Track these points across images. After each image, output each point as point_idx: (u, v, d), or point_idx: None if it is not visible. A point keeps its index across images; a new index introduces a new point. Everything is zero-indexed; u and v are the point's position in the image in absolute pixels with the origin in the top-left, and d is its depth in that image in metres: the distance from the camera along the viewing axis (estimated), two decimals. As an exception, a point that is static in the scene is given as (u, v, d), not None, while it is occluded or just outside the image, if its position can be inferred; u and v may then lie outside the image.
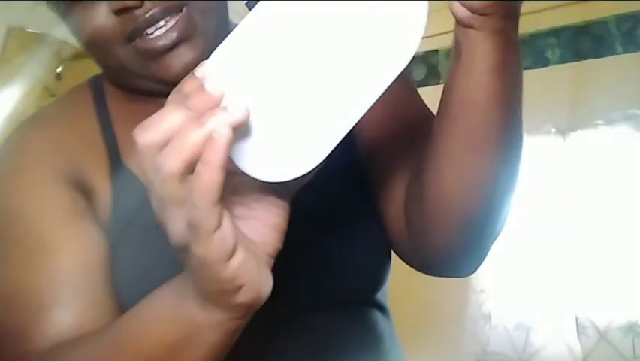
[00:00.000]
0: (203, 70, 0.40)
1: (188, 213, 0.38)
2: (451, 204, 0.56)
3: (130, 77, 0.62)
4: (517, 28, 0.48)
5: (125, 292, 0.58)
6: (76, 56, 1.80)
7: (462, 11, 0.46)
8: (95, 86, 0.68)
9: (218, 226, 0.38)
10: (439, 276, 0.68)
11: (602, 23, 2.29)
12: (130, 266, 0.59)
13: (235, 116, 0.38)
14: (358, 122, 0.42)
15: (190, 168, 0.37)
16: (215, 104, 0.38)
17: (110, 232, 0.60)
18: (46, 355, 0.53)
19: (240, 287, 0.41)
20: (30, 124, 0.67)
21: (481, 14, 0.46)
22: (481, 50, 0.47)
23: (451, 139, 0.53)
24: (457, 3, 0.46)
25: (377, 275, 0.67)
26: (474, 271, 0.65)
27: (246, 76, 0.41)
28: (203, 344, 0.44)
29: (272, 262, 0.45)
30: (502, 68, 0.48)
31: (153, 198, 0.39)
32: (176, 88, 0.41)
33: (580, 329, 2.00)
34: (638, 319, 1.92)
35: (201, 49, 0.59)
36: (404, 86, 0.66)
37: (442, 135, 0.54)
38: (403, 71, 0.42)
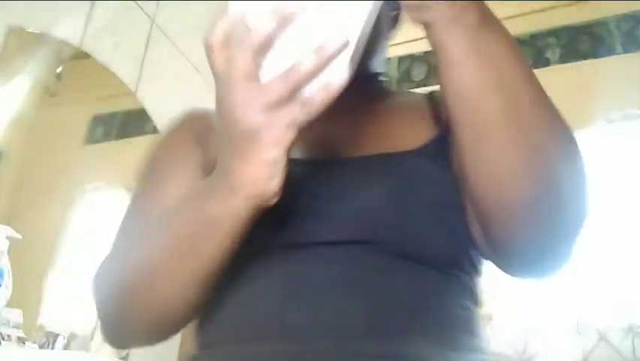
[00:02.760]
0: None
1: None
2: (489, 196, 0.54)
3: None
4: (475, 12, 0.49)
5: None
6: (76, 56, 1.79)
7: (409, 13, 0.50)
8: None
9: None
10: (518, 276, 0.65)
11: (602, 23, 2.30)
12: None
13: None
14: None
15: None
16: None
17: None
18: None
19: (274, 176, 0.49)
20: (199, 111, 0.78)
21: (416, 7, 0.49)
22: (450, 41, 0.50)
23: (464, 136, 0.53)
24: (405, 4, 0.50)
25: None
26: (553, 273, 0.62)
27: None
28: (219, 229, 0.53)
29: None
30: (475, 53, 0.49)
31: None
32: None
33: (580, 329, 2.00)
34: (638, 320, 1.92)
35: None
36: None
37: (457, 134, 0.54)
38: None
